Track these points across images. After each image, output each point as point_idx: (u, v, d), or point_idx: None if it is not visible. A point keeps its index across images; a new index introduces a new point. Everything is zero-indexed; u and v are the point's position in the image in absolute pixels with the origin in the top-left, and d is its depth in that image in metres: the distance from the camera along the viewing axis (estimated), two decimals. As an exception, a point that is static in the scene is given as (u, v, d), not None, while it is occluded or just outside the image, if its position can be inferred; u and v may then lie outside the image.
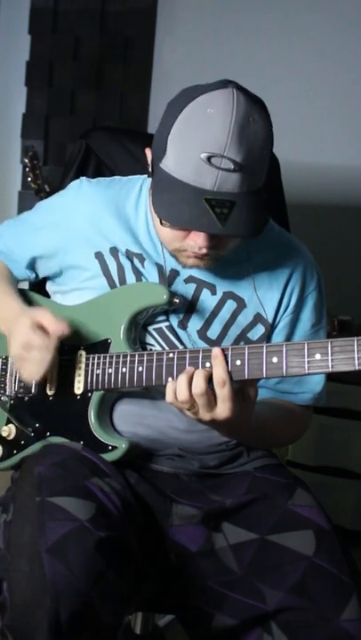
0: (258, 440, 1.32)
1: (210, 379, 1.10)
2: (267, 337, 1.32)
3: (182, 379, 1.10)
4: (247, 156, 1.10)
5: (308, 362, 1.06)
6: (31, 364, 1.25)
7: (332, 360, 1.04)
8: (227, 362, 1.10)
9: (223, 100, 1.11)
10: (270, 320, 1.32)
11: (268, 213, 1.20)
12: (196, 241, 1.17)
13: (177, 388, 1.10)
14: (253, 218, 1.14)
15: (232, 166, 1.10)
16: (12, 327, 1.28)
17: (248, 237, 1.17)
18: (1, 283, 1.42)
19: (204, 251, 1.19)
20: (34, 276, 1.45)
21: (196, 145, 1.10)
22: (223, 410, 1.10)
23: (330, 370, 1.04)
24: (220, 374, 1.09)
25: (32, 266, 1.43)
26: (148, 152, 1.23)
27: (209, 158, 1.09)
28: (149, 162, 1.23)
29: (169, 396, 1.12)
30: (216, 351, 1.10)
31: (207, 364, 1.13)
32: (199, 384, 1.09)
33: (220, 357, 1.10)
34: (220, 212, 1.10)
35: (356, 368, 1.02)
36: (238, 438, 1.28)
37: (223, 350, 1.11)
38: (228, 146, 1.09)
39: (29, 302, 1.42)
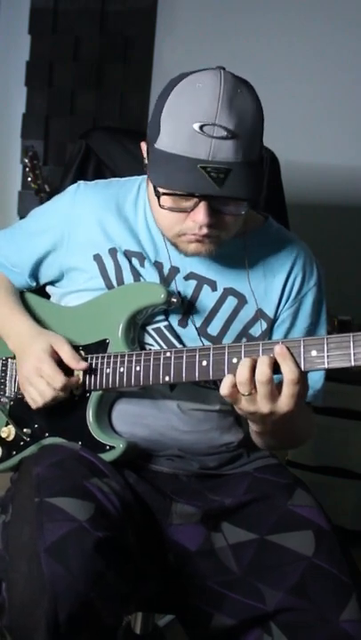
0: (286, 439, 1.30)
1: (274, 369, 1.06)
2: (269, 332, 1.32)
3: (245, 362, 1.07)
4: (238, 124, 1.11)
5: (305, 358, 1.05)
6: (35, 391, 1.27)
7: (328, 356, 1.04)
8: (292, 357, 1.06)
9: (211, 75, 1.14)
10: (271, 316, 1.32)
11: (263, 185, 1.20)
12: (197, 219, 1.17)
13: (238, 372, 1.07)
14: (250, 183, 1.14)
15: (224, 133, 1.11)
16: (27, 346, 1.30)
17: (246, 199, 1.17)
18: (5, 297, 1.41)
19: (205, 230, 1.18)
20: (35, 284, 1.44)
21: (188, 117, 1.12)
22: (287, 404, 1.07)
23: (326, 366, 1.04)
24: (293, 370, 1.05)
25: (34, 274, 1.42)
26: (144, 145, 1.24)
27: (201, 127, 1.11)
28: (145, 154, 1.23)
29: (225, 388, 1.08)
30: (280, 348, 1.06)
31: (204, 363, 1.13)
32: (264, 371, 1.05)
33: (288, 354, 1.06)
34: (217, 176, 1.11)
35: (353, 364, 1.02)
36: (280, 435, 1.23)
37: (220, 348, 1.12)
38: (218, 114, 1.11)
39: (28, 304, 1.42)
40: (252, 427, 1.22)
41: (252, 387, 1.07)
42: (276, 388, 1.07)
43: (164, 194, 1.16)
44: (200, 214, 1.16)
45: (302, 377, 1.06)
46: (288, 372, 1.05)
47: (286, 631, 1.10)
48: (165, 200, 1.17)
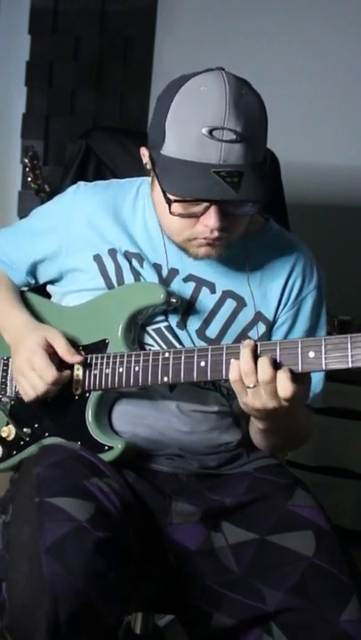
0: (288, 437, 1.30)
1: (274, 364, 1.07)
2: (267, 335, 1.32)
3: (246, 353, 1.07)
4: (247, 126, 1.11)
5: (302, 360, 1.05)
6: (27, 384, 1.28)
7: (325, 358, 1.03)
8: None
9: (214, 78, 1.13)
10: (270, 318, 1.32)
11: (272, 185, 1.19)
12: (208, 223, 1.16)
13: (242, 363, 1.08)
14: (262, 184, 1.13)
15: (234, 137, 1.10)
16: (22, 339, 1.30)
17: (263, 201, 1.16)
18: (4, 292, 1.42)
19: (216, 234, 1.18)
20: (33, 282, 1.45)
21: (196, 122, 1.11)
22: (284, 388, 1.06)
23: (323, 368, 1.04)
24: (287, 386, 1.05)
25: (32, 272, 1.43)
26: (144, 150, 1.23)
27: (210, 132, 1.10)
28: (146, 160, 1.23)
29: (233, 374, 1.09)
30: (248, 342, 1.08)
31: (202, 363, 1.13)
32: (266, 370, 1.06)
33: (250, 348, 1.07)
34: (231, 180, 1.10)
35: (350, 366, 1.02)
36: (283, 432, 1.24)
37: (218, 349, 1.12)
38: (227, 117, 1.10)
39: (29, 303, 1.42)
40: (257, 425, 1.22)
41: (256, 378, 1.07)
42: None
43: (176, 201, 1.16)
44: (212, 219, 1.16)
45: (300, 390, 1.06)
46: (260, 372, 1.06)
47: (287, 631, 1.11)
48: (176, 207, 1.17)
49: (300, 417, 1.19)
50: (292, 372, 1.06)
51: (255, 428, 1.25)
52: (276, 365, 1.07)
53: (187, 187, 1.13)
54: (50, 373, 1.25)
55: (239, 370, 1.08)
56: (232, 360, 1.10)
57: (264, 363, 1.06)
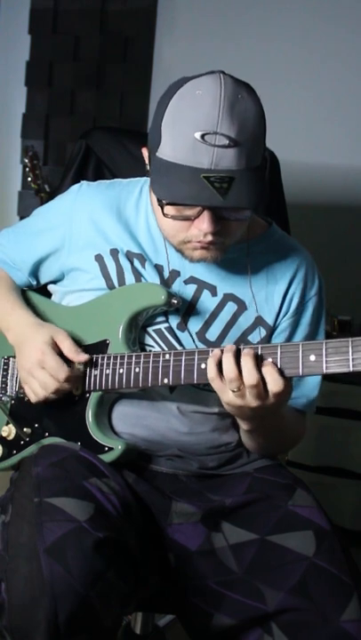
0: (273, 437, 1.30)
1: (258, 364, 1.07)
2: (267, 340, 1.32)
3: (229, 358, 1.07)
4: (241, 132, 1.10)
5: (303, 363, 1.05)
6: (38, 383, 1.27)
7: (326, 361, 1.03)
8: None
9: (211, 81, 1.12)
10: (271, 323, 1.32)
11: (267, 190, 1.19)
12: (201, 227, 1.16)
13: (225, 370, 1.08)
14: (254, 191, 1.13)
15: (227, 142, 1.09)
16: (27, 339, 1.30)
17: (250, 208, 1.16)
18: (7, 292, 1.41)
19: (210, 238, 1.18)
20: (35, 283, 1.44)
21: (189, 126, 1.10)
22: (274, 402, 1.08)
23: (324, 371, 1.04)
24: (276, 379, 1.07)
25: (34, 273, 1.42)
26: (145, 150, 1.23)
27: (203, 136, 1.09)
28: (146, 160, 1.23)
29: (211, 371, 1.09)
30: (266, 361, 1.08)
31: (202, 365, 1.13)
32: (253, 375, 1.06)
33: (272, 367, 1.07)
34: (220, 186, 1.09)
35: (351, 369, 1.01)
36: (268, 431, 1.25)
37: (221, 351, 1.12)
38: (220, 122, 1.09)
39: (30, 303, 1.42)
40: (241, 426, 1.22)
41: (241, 382, 1.07)
42: (264, 389, 1.08)
43: (168, 203, 1.16)
44: (204, 223, 1.15)
45: (288, 386, 1.07)
46: (272, 384, 1.07)
47: (287, 631, 1.11)
48: (169, 209, 1.17)
49: (283, 416, 1.19)
50: (277, 366, 1.07)
51: (241, 428, 1.25)
52: (260, 367, 1.07)
53: (174, 190, 1.13)
54: (62, 371, 1.24)
55: (217, 368, 1.09)
56: (209, 359, 1.10)
57: (249, 366, 1.06)
